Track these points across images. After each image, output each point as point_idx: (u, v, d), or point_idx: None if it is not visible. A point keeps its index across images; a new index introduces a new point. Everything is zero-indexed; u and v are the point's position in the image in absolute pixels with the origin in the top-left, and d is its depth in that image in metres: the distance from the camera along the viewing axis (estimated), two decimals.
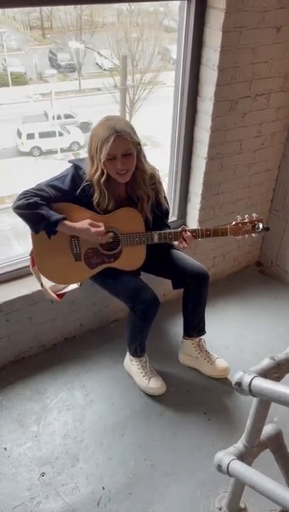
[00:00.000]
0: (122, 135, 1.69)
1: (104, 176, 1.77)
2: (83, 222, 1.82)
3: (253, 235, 1.96)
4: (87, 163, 1.83)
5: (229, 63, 2.11)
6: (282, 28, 2.17)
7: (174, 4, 2.21)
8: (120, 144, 1.70)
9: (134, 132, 1.78)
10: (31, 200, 1.75)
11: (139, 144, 1.79)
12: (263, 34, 2.13)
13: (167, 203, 2.08)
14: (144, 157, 1.87)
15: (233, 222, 1.95)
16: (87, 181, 1.82)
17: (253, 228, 1.94)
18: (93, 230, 1.81)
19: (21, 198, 1.76)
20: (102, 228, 1.83)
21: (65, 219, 1.79)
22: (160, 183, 1.98)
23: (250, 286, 2.83)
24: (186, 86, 2.21)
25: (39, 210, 1.75)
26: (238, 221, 1.95)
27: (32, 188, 1.80)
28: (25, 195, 1.77)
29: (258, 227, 1.93)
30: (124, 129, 1.71)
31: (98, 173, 1.77)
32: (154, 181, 1.93)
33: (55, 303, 2.19)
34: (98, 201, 1.83)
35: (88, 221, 1.83)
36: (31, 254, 1.95)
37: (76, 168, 1.85)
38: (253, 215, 1.97)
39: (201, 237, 1.93)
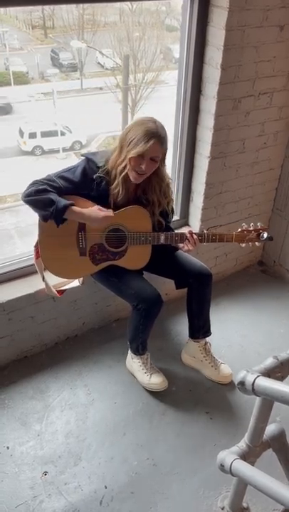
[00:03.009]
0: (161, 142, 1.74)
1: (126, 169, 1.79)
2: (92, 209, 1.82)
3: (257, 243, 1.97)
4: (101, 156, 1.85)
5: (232, 62, 2.10)
6: (286, 26, 2.17)
7: (176, 3, 2.22)
8: (155, 149, 1.74)
9: (167, 143, 1.81)
10: (41, 187, 1.76)
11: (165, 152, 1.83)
12: (266, 33, 2.13)
13: (172, 212, 2.09)
14: (165, 165, 1.89)
15: (239, 230, 1.95)
16: (100, 174, 1.82)
17: (257, 237, 1.95)
18: (102, 213, 1.81)
19: (31, 186, 1.77)
20: (112, 213, 1.83)
21: (73, 205, 1.79)
22: (171, 197, 2.00)
23: (253, 285, 2.83)
24: (189, 85, 2.21)
25: (48, 195, 1.76)
26: (244, 228, 1.95)
27: (42, 178, 1.81)
28: (35, 183, 1.78)
29: (263, 236, 1.94)
30: (165, 138, 1.77)
31: (122, 165, 1.79)
32: (166, 192, 1.95)
33: (57, 302, 2.19)
34: (116, 192, 1.84)
35: (97, 206, 1.83)
36: (36, 245, 1.95)
37: (88, 161, 1.85)
38: (258, 223, 1.98)
39: (207, 241, 1.94)
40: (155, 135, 1.72)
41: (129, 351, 2.14)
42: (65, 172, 1.84)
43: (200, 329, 2.15)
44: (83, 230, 1.88)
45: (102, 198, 1.85)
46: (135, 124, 1.78)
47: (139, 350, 2.08)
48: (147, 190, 1.90)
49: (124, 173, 1.80)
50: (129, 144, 1.75)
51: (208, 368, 2.16)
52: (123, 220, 1.89)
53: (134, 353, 2.10)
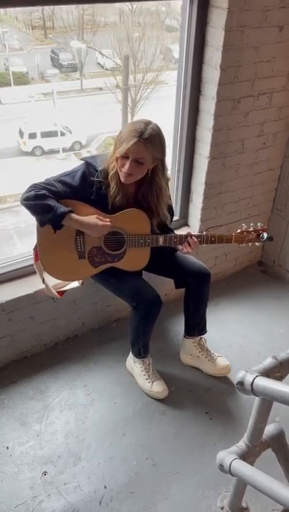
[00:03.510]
0: (143, 142, 1.70)
1: (115, 168, 1.79)
2: (90, 217, 1.82)
3: (257, 243, 1.96)
4: (100, 160, 1.85)
5: (232, 62, 2.11)
6: (285, 27, 2.17)
7: (176, 3, 2.22)
8: (137, 149, 1.70)
9: (161, 149, 1.78)
10: (40, 192, 1.75)
11: (160, 160, 1.80)
12: (265, 33, 2.13)
13: (173, 214, 2.09)
14: (164, 175, 1.87)
15: (238, 230, 1.95)
16: (98, 178, 1.82)
17: (257, 237, 1.94)
18: (100, 223, 1.81)
19: (30, 190, 1.76)
20: (109, 223, 1.83)
21: (72, 212, 1.78)
22: (170, 202, 2.01)
23: (252, 285, 2.83)
24: (189, 85, 2.21)
25: (46, 201, 1.75)
26: (243, 229, 1.94)
27: (41, 182, 1.80)
28: (35, 187, 1.77)
29: (263, 237, 1.93)
30: (150, 139, 1.71)
31: (113, 164, 1.80)
32: (167, 202, 1.95)
33: (57, 302, 2.19)
34: (112, 192, 1.83)
35: (95, 216, 1.82)
36: (35, 248, 1.95)
37: (88, 165, 1.85)
38: (258, 224, 1.97)
39: (206, 242, 1.93)
40: (138, 135, 1.69)
41: (131, 354, 2.13)
42: (64, 176, 1.83)
43: (196, 327, 2.15)
44: (81, 233, 1.88)
45: (101, 202, 1.85)
46: (128, 124, 1.78)
47: (140, 353, 2.08)
48: (147, 197, 1.89)
49: (116, 173, 1.80)
50: (118, 143, 1.75)
51: (206, 363, 2.16)
52: (121, 223, 1.88)
53: (136, 356, 2.10)
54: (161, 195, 1.90)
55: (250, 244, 1.95)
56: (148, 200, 1.90)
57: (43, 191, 1.75)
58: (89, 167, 1.84)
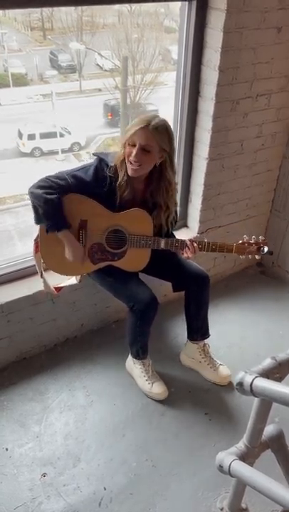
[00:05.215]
0: (150, 130, 1.72)
1: (123, 156, 1.80)
2: (79, 248, 1.88)
3: (257, 256, 1.95)
4: (112, 157, 1.86)
5: (230, 64, 2.11)
6: (283, 28, 2.17)
7: (175, 5, 2.22)
8: (144, 135, 1.72)
9: (168, 140, 1.79)
10: (50, 197, 1.75)
11: (168, 153, 1.81)
12: (263, 35, 2.13)
13: (176, 219, 2.10)
14: (173, 172, 1.88)
15: (240, 241, 1.94)
16: (109, 173, 1.83)
17: (257, 250, 1.94)
18: (73, 258, 1.87)
19: (42, 187, 1.77)
20: (81, 260, 1.91)
21: (69, 227, 1.84)
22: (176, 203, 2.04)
23: (251, 286, 2.83)
24: (187, 86, 2.22)
25: (53, 210, 1.77)
26: (245, 241, 1.94)
27: (53, 176, 1.81)
28: (46, 184, 1.77)
29: (263, 250, 1.93)
30: (157, 128, 1.74)
31: (121, 153, 1.81)
32: (174, 197, 1.97)
33: (57, 303, 2.19)
34: (120, 184, 1.84)
35: (82, 251, 1.89)
36: (36, 239, 1.95)
37: (100, 160, 1.86)
38: (260, 237, 1.97)
39: (207, 250, 1.92)
40: (146, 123, 1.72)
41: (130, 355, 2.14)
42: (77, 171, 1.85)
43: (198, 331, 2.15)
44: (84, 228, 1.88)
45: (111, 196, 1.86)
46: (136, 117, 1.81)
47: (139, 354, 2.08)
48: (155, 194, 1.90)
49: (123, 163, 1.81)
50: (126, 131, 1.78)
51: (207, 369, 2.16)
52: (125, 222, 1.89)
53: (135, 358, 2.09)
54: (171, 190, 1.90)
55: (250, 256, 1.95)
56: (156, 196, 1.90)
57: (54, 196, 1.76)
58: (101, 162, 1.86)
